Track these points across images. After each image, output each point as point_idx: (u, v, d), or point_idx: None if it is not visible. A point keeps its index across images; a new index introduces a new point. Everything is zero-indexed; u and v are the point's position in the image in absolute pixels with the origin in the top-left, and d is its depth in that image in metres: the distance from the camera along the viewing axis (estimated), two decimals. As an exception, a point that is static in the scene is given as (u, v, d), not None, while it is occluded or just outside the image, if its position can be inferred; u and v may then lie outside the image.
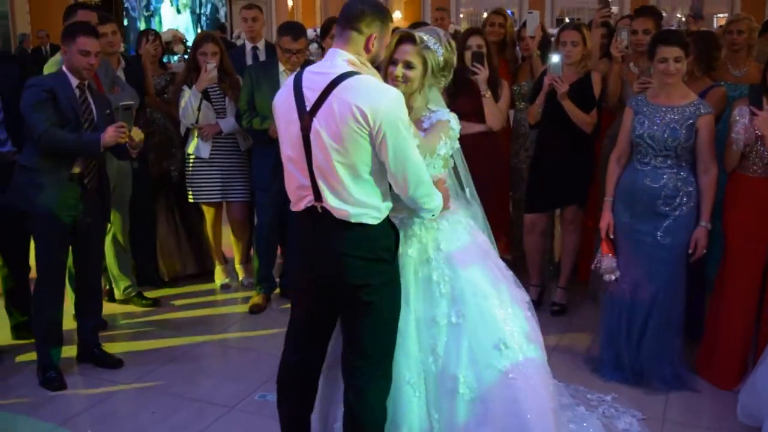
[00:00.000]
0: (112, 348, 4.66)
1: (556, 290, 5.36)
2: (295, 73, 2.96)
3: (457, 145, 3.27)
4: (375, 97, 2.73)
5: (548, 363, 4.25)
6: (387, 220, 2.93)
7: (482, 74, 4.90)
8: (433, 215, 3.02)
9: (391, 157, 2.77)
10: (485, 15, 6.19)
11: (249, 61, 5.98)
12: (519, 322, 3.17)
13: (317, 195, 2.84)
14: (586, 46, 4.94)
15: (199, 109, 5.33)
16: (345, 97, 2.73)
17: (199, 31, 15.34)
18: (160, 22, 14.65)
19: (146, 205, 5.68)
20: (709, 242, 4.20)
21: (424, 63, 3.06)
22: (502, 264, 3.34)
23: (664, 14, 5.80)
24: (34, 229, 4.23)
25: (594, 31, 5.15)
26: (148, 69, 5.69)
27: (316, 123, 2.77)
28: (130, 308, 5.42)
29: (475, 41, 5.05)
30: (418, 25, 4.98)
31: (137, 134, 4.21)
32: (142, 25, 14.09)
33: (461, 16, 17.86)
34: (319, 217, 2.86)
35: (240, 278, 5.94)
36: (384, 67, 3.11)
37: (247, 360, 4.52)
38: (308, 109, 2.79)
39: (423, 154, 2.94)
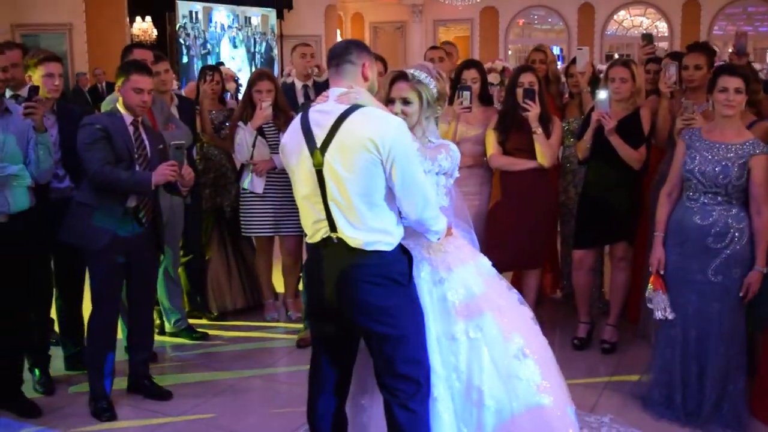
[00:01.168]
0: (162, 380, 4.71)
1: (605, 328, 5.29)
2: (300, 114, 3.04)
3: (458, 173, 3.35)
4: (382, 127, 2.86)
5: (599, 400, 4.27)
6: (400, 245, 3.00)
7: (533, 111, 4.90)
8: (438, 238, 3.10)
9: (400, 180, 2.87)
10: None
11: (300, 98, 6.04)
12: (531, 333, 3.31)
13: (332, 226, 2.92)
14: (635, 82, 4.93)
15: (253, 146, 5.40)
16: (354, 130, 2.85)
17: (252, 67, 15.58)
18: (217, 59, 14.90)
19: (198, 239, 5.77)
20: (765, 282, 4.12)
21: (420, 97, 3.19)
22: (505, 283, 3.44)
23: (716, 50, 5.74)
24: (90, 263, 4.30)
25: (639, 68, 5.13)
26: (206, 106, 5.80)
27: (329, 157, 2.86)
28: (180, 341, 5.48)
29: (527, 78, 5.06)
30: None
31: (188, 173, 4.29)
32: (198, 64, 14.35)
33: (509, 52, 17.86)
34: (335, 246, 2.94)
35: (288, 312, 5.96)
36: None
37: (294, 395, 4.51)
38: (318, 145, 2.88)
39: (424, 156, 3.12)
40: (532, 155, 5.04)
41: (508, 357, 3.17)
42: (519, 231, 5.15)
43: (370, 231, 2.90)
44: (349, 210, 2.88)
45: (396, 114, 3.13)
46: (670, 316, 4.18)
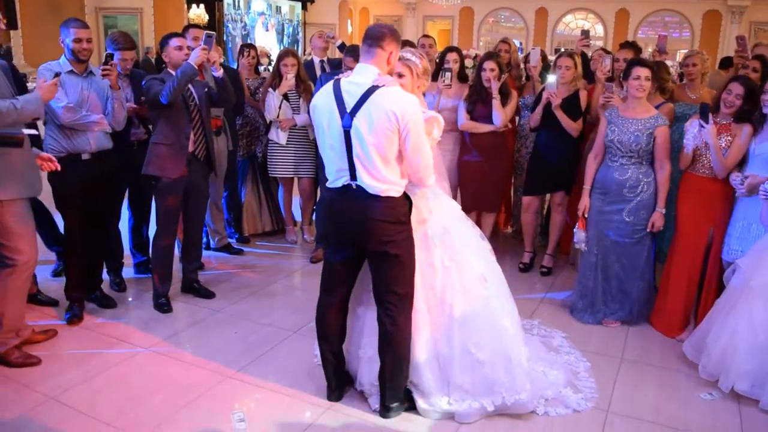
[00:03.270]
0: (208, 284, 4.73)
1: (544, 256, 5.33)
2: (333, 82, 2.96)
3: (440, 137, 3.31)
4: (402, 103, 2.82)
5: (537, 309, 4.32)
6: (404, 192, 2.99)
7: (493, 84, 4.89)
8: (428, 187, 3.13)
9: (411, 147, 2.86)
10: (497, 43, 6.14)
11: (318, 71, 5.98)
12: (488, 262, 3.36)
13: (353, 175, 2.89)
14: (577, 70, 4.90)
15: (280, 107, 5.36)
16: (380, 103, 2.80)
17: (281, 46, 15.37)
18: (253, 39, 14.68)
19: (236, 177, 5.74)
20: (665, 223, 4.16)
21: (411, 72, 3.15)
22: (470, 222, 3.46)
23: (641, 48, 5.69)
24: (159, 190, 4.25)
25: (577, 56, 5.08)
26: (244, 76, 5.71)
27: (356, 121, 2.82)
28: (222, 255, 5.50)
29: (489, 65, 4.99)
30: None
31: (217, 52, 4.24)
32: (238, 41, 14.13)
33: (481, 43, 17.68)
34: (353, 192, 2.91)
35: (304, 236, 5.98)
36: None
37: (306, 298, 4.56)
38: (348, 110, 2.84)
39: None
40: (491, 122, 5.02)
41: (473, 281, 3.21)
42: (482, 181, 5.15)
43: (384, 181, 2.89)
44: (369, 164, 2.85)
45: None
46: (584, 248, 4.30)
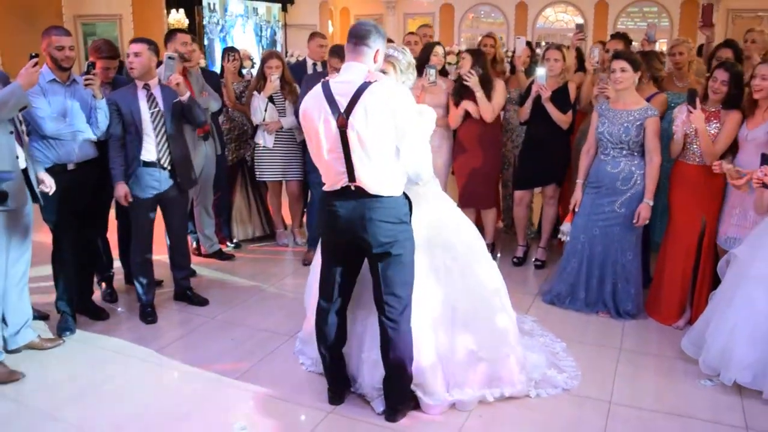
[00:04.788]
0: (201, 290, 4.68)
1: (537, 250, 5.33)
2: (321, 84, 2.89)
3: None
4: (398, 97, 2.78)
5: (533, 305, 4.32)
6: (404, 192, 2.95)
7: (472, 79, 4.84)
8: (424, 183, 3.11)
9: (408, 141, 2.82)
10: (479, 38, 6.09)
11: (309, 71, 5.93)
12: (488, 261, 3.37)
13: (351, 177, 2.82)
14: (565, 62, 4.89)
15: (265, 110, 5.31)
16: (375, 99, 2.74)
17: (259, 48, 15.30)
18: (232, 41, 14.60)
19: (224, 182, 5.67)
20: (656, 213, 4.18)
21: (394, 67, 3.13)
22: (468, 220, 3.47)
23: (632, 39, 5.69)
24: (130, 206, 4.17)
25: (571, 50, 5.07)
26: (229, 80, 5.65)
27: (352, 120, 2.75)
28: (214, 261, 5.44)
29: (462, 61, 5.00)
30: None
31: (176, 78, 4.15)
32: (217, 43, 14.06)
33: (462, 39, 17.68)
34: (353, 193, 2.85)
35: (295, 239, 5.93)
36: None
37: (301, 301, 4.49)
38: (342, 110, 2.77)
39: None
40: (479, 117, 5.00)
41: (474, 281, 3.21)
42: (474, 176, 5.12)
43: (384, 180, 2.83)
44: (369, 162, 2.79)
45: None
46: (565, 239, 4.35)
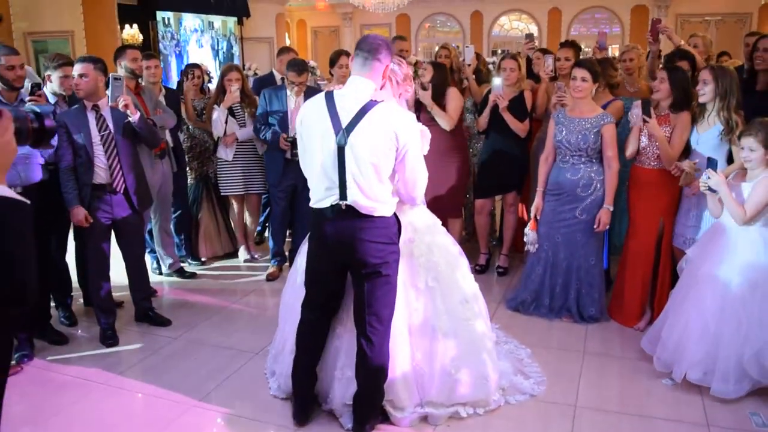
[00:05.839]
0: (162, 311, 4.60)
1: (499, 257, 5.37)
2: (324, 94, 2.84)
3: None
4: (402, 121, 2.75)
5: (497, 313, 4.33)
6: (394, 212, 2.91)
7: (424, 95, 4.78)
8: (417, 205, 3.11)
9: (410, 166, 2.79)
10: (436, 48, 6.13)
11: (279, 83, 5.95)
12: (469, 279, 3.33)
13: (343, 194, 2.77)
14: (520, 71, 4.95)
15: (226, 122, 5.28)
16: (379, 120, 2.70)
17: (216, 63, 15.19)
18: (187, 56, 14.45)
19: (185, 198, 5.60)
20: (615, 217, 4.24)
21: (390, 81, 3.04)
22: (451, 238, 3.42)
23: (581, 46, 5.78)
24: (82, 231, 4.10)
25: (522, 59, 5.14)
26: (189, 97, 5.58)
27: (353, 138, 2.70)
28: (175, 280, 5.36)
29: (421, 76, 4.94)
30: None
31: (123, 100, 4.02)
32: (173, 60, 13.88)
33: (419, 49, 17.82)
34: (343, 212, 2.79)
35: (251, 254, 5.83)
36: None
37: (265, 317, 4.49)
38: (344, 125, 2.72)
39: None
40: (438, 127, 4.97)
41: (455, 302, 3.19)
42: (443, 186, 5.08)
43: (377, 200, 2.79)
44: (364, 182, 2.74)
45: None
46: (533, 249, 4.36)
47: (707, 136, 3.82)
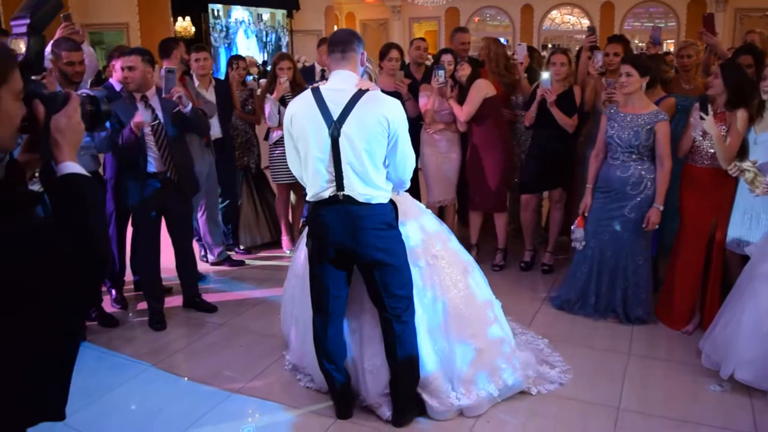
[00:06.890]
0: (209, 298, 4.70)
1: (545, 254, 5.32)
2: (311, 91, 2.89)
3: None
4: (391, 107, 2.82)
5: (540, 310, 4.29)
6: (390, 198, 2.97)
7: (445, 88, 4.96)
8: (403, 190, 3.14)
9: (400, 150, 2.85)
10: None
11: (318, 77, 6.00)
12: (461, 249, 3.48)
13: (340, 185, 2.82)
14: (570, 65, 4.89)
15: (278, 113, 5.32)
16: (370, 108, 2.78)
17: (264, 54, 15.37)
18: (236, 48, 14.65)
19: (232, 188, 5.68)
20: (667, 217, 4.14)
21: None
22: (430, 212, 3.57)
23: (629, 40, 5.64)
24: (132, 217, 4.26)
25: (583, 53, 5.06)
26: (235, 88, 5.66)
27: (346, 128, 2.77)
28: (222, 269, 5.46)
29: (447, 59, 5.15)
30: None
31: (177, 91, 4.15)
32: (222, 51, 14.11)
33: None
34: (341, 202, 2.85)
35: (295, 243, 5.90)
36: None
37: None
38: (335, 118, 2.78)
39: None
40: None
41: (458, 272, 3.29)
42: (487, 180, 5.11)
43: (375, 187, 2.85)
44: (361, 171, 2.80)
45: None
46: (580, 247, 4.30)
47: (766, 137, 3.69)
